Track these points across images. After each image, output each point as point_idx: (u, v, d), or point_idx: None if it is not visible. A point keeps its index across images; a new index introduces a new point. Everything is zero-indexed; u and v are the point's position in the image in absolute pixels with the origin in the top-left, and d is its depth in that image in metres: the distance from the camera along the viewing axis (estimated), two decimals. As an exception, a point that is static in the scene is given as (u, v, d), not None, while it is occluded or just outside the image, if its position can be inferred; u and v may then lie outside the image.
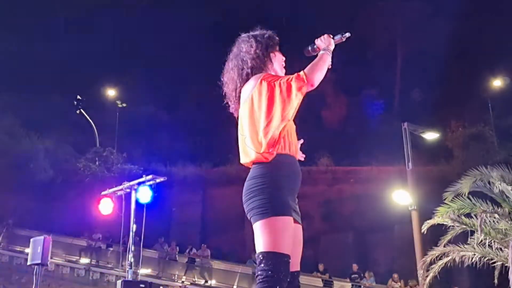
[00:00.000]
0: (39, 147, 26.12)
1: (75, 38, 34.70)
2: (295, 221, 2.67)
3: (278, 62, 2.98)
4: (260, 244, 2.55)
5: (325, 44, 2.93)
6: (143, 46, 33.48)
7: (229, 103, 3.04)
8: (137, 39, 33.48)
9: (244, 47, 2.94)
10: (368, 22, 31.09)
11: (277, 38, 3.01)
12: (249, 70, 2.87)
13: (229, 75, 2.98)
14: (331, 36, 2.99)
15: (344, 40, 3.05)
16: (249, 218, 2.66)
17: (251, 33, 3.00)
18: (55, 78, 31.27)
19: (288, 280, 2.55)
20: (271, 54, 2.94)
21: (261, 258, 2.53)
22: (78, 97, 25.94)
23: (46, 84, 30.69)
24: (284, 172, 2.68)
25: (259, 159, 2.69)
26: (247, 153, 2.77)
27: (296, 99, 2.70)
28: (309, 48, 3.01)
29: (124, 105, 28.83)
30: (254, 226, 2.61)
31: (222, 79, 3.05)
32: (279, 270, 2.49)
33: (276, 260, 2.50)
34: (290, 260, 2.55)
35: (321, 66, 2.75)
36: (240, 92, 2.91)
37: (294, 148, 2.80)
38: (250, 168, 2.80)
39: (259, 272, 2.52)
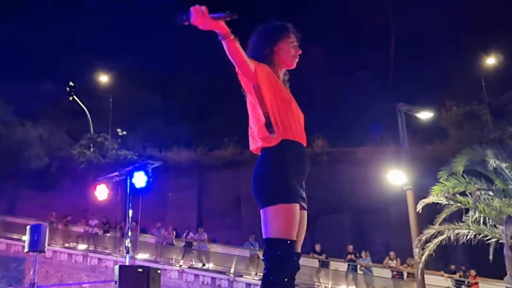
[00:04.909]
0: (33, 134, 26.03)
1: (66, 24, 34.40)
2: (302, 207, 2.72)
3: (285, 53, 2.90)
4: (267, 231, 2.62)
5: (199, 22, 2.42)
6: (136, 30, 33.21)
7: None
8: (129, 23, 33.19)
9: (252, 38, 2.93)
10: (360, 2, 30.93)
11: (287, 27, 2.92)
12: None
13: None
14: (207, 11, 2.41)
15: (228, 19, 2.45)
16: (256, 203, 2.70)
17: (263, 24, 2.95)
18: (47, 64, 31.04)
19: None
20: (276, 46, 2.88)
21: (267, 244, 2.61)
22: (71, 83, 25.76)
23: (39, 71, 30.47)
24: (290, 158, 2.70)
25: (264, 145, 2.73)
26: (253, 141, 2.83)
27: (263, 86, 2.70)
28: (183, 16, 2.42)
29: (124, 133, 28.26)
30: (261, 212, 2.66)
31: None
32: (284, 256, 2.57)
33: (281, 246, 2.57)
34: (294, 246, 2.62)
35: (231, 56, 2.57)
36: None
37: (299, 133, 2.81)
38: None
39: (265, 258, 2.61)
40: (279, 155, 2.69)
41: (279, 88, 2.79)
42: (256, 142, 2.80)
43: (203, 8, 2.41)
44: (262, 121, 2.73)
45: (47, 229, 8.80)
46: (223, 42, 2.51)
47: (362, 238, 22.24)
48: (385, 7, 31.20)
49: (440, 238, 11.49)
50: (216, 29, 2.47)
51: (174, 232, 20.84)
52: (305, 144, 2.84)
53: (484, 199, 10.94)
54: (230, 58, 2.58)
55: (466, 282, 16.33)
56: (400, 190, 14.94)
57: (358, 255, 17.98)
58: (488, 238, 11.11)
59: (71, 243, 20.80)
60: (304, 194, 2.76)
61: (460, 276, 16.66)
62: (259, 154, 2.79)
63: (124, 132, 27.95)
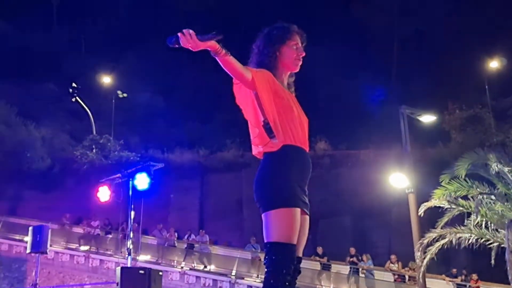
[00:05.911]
0: (36, 135, 26.06)
1: (68, 25, 34.48)
2: (303, 211, 2.74)
3: (288, 57, 2.88)
4: (268, 234, 2.64)
5: (188, 44, 2.48)
6: (138, 32, 33.26)
7: None
8: (132, 25, 33.26)
9: (257, 42, 2.92)
10: (364, 4, 30.94)
11: (290, 29, 2.89)
12: (256, 66, 2.84)
13: None
14: (194, 34, 2.47)
15: (215, 39, 2.52)
16: (258, 207, 2.72)
17: (267, 28, 2.93)
18: (50, 66, 31.10)
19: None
20: (278, 51, 2.86)
21: (269, 247, 2.64)
22: (74, 84, 25.79)
23: (42, 72, 30.54)
24: (292, 163, 2.73)
25: (265, 150, 2.76)
26: (255, 146, 2.85)
27: (262, 93, 2.71)
28: (173, 40, 2.50)
29: (125, 95, 28.51)
30: (263, 216, 2.69)
31: None
32: (285, 259, 2.61)
33: (282, 250, 2.60)
34: (295, 250, 2.65)
35: (226, 70, 2.64)
36: None
37: (301, 139, 2.82)
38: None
39: (266, 261, 2.64)
40: (281, 160, 2.71)
41: (280, 94, 2.78)
42: (257, 147, 2.81)
43: (190, 31, 2.46)
44: (262, 126, 2.74)
45: (49, 231, 8.82)
46: (216, 58, 2.57)
47: (364, 241, 22.19)
48: (388, 9, 31.20)
49: (442, 242, 11.47)
50: (206, 48, 2.51)
51: (176, 234, 20.84)
52: (307, 150, 2.84)
53: (486, 203, 10.92)
54: (229, 70, 2.62)
55: (467, 286, 16.30)
56: (402, 193, 14.92)
57: (360, 258, 17.96)
58: (490, 242, 11.10)
59: (73, 244, 20.81)
60: (306, 200, 2.78)
61: (461, 280, 16.63)
62: (262, 158, 2.81)
63: (125, 94, 28.07)
